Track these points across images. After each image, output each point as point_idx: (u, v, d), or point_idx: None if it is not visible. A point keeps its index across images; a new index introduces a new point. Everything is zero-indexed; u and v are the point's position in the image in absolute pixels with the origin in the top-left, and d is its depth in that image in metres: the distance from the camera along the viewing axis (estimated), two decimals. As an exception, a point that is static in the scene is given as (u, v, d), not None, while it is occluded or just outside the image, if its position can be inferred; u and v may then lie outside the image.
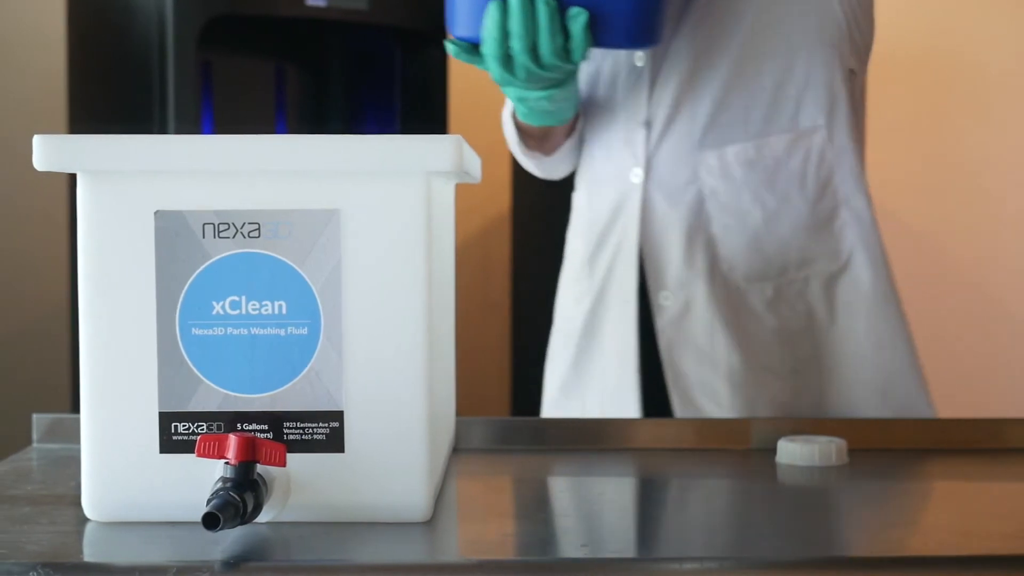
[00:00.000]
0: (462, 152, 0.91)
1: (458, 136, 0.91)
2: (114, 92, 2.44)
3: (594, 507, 1.06)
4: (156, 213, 0.91)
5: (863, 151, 1.52)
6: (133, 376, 0.92)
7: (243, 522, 0.86)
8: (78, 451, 1.20)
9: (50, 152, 0.91)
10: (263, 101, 2.51)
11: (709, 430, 1.26)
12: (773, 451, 1.19)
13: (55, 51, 2.66)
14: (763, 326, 1.42)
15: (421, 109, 2.47)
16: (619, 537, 0.98)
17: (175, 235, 0.91)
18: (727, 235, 1.41)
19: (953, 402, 3.16)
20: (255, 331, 0.92)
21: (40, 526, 0.93)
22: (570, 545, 0.92)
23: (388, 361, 0.92)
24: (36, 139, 0.90)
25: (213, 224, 0.91)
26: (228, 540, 0.88)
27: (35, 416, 1.25)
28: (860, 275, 1.45)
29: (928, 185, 3.24)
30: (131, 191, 0.91)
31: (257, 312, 0.92)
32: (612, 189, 1.50)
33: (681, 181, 1.43)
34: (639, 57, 1.48)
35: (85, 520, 0.95)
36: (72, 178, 2.79)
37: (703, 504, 1.08)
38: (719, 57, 1.44)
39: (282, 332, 0.92)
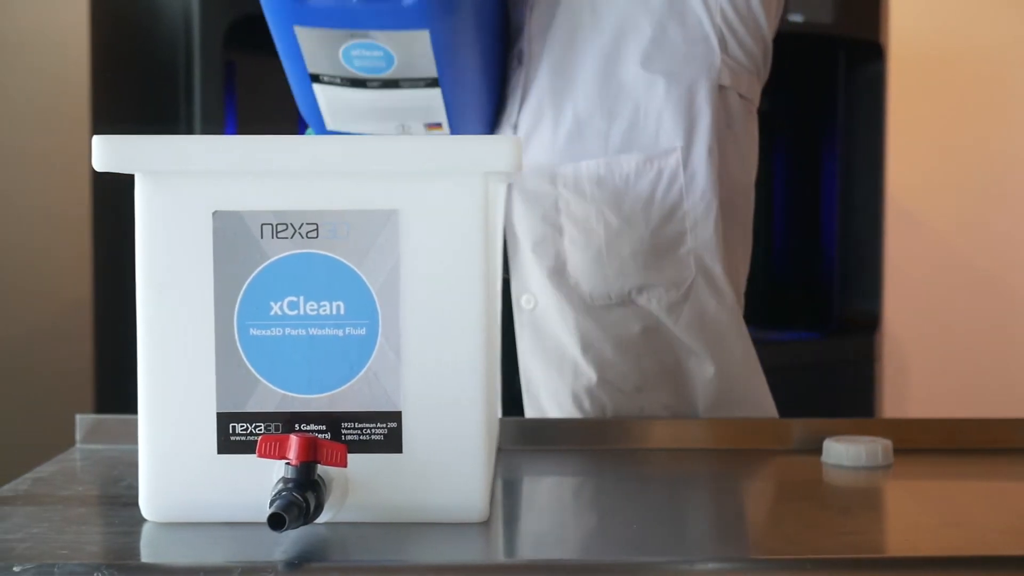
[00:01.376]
0: (520, 152, 0.91)
1: (516, 136, 0.90)
2: (138, 92, 2.44)
3: (642, 507, 1.05)
4: (214, 214, 0.91)
5: (739, 178, 1.43)
6: (191, 377, 0.92)
7: (305, 522, 0.86)
8: (122, 451, 1.21)
9: (109, 153, 0.90)
10: (286, 101, 2.51)
11: (748, 431, 1.26)
12: (812, 451, 1.19)
13: (78, 52, 2.66)
14: (609, 343, 1.38)
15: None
16: (670, 538, 0.98)
17: (233, 235, 0.91)
18: (574, 250, 1.38)
19: (971, 401, 3.16)
20: (313, 331, 0.92)
21: (97, 527, 0.93)
22: (627, 545, 0.92)
23: (446, 361, 0.92)
24: (96, 140, 0.90)
25: (271, 224, 0.91)
26: (287, 541, 0.88)
27: (78, 417, 1.25)
28: (703, 303, 1.39)
29: (950, 185, 3.24)
30: (189, 192, 0.91)
31: (315, 312, 0.92)
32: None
33: (541, 189, 1.39)
34: (519, 59, 1.44)
35: (141, 521, 0.95)
36: (95, 177, 2.78)
37: (756, 504, 1.08)
38: (579, 71, 1.39)
39: (340, 333, 0.92)
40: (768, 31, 1.42)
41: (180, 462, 0.93)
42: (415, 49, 1.30)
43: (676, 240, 1.38)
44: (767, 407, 1.44)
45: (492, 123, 1.45)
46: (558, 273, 1.38)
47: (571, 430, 1.26)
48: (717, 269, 1.38)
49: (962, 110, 3.23)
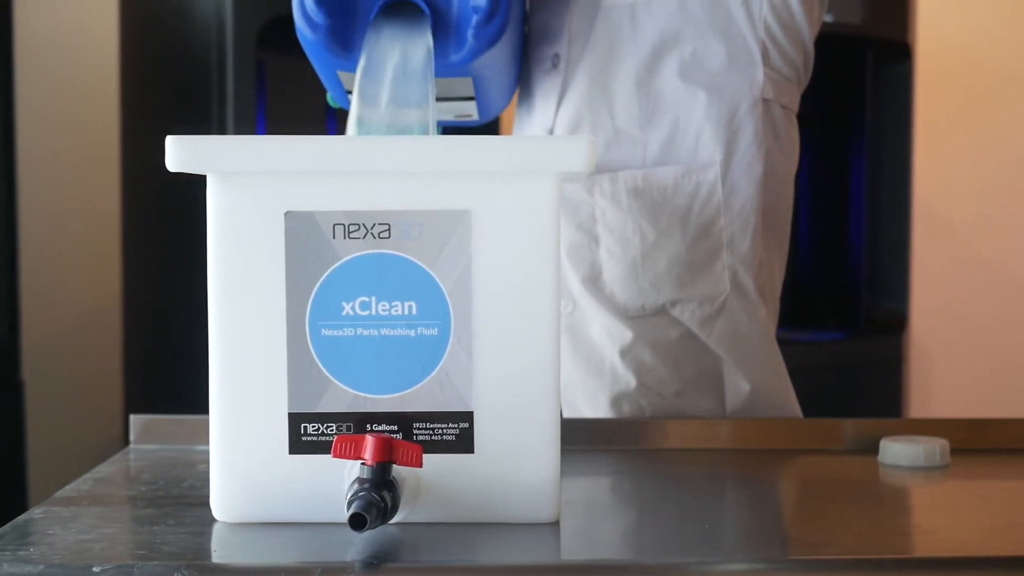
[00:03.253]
0: (595, 153, 0.91)
1: (590, 136, 0.90)
2: (168, 93, 2.44)
3: (709, 508, 1.06)
4: (286, 214, 0.91)
5: (779, 189, 1.41)
6: (262, 377, 0.92)
7: (383, 523, 0.86)
8: (177, 452, 1.21)
9: (182, 153, 0.90)
10: (315, 101, 2.51)
11: (802, 430, 1.26)
12: (865, 452, 1.19)
13: (107, 53, 2.66)
14: (647, 348, 1.37)
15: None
16: (741, 538, 0.98)
17: (305, 236, 0.91)
18: (610, 260, 1.37)
19: (997, 401, 3.16)
20: (385, 332, 0.92)
21: (168, 527, 0.93)
22: (705, 546, 0.92)
23: (518, 362, 0.92)
24: (169, 140, 0.90)
25: (343, 225, 0.91)
26: (359, 541, 0.88)
27: (132, 417, 1.25)
28: (736, 319, 1.38)
29: (976, 185, 3.23)
30: (261, 192, 0.91)
31: (387, 313, 0.92)
32: None
33: (578, 197, 1.38)
34: (554, 62, 1.43)
35: (211, 521, 0.95)
36: (125, 178, 2.78)
37: (821, 504, 1.08)
38: (618, 80, 1.38)
39: (412, 333, 0.92)
40: (810, 40, 1.41)
41: (251, 463, 0.93)
42: (457, 84, 1.30)
43: (712, 255, 1.37)
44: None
45: (512, 90, 1.46)
46: (592, 281, 1.38)
47: (616, 429, 1.26)
48: (751, 285, 1.38)
49: (989, 110, 3.23)
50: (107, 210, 2.70)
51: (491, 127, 2.52)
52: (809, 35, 1.40)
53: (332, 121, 2.54)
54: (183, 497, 1.03)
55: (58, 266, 2.78)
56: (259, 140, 0.91)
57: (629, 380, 1.36)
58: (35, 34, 2.66)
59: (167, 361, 2.51)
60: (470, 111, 1.40)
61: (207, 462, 1.15)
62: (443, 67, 1.25)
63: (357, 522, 0.83)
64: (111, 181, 2.66)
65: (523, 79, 1.46)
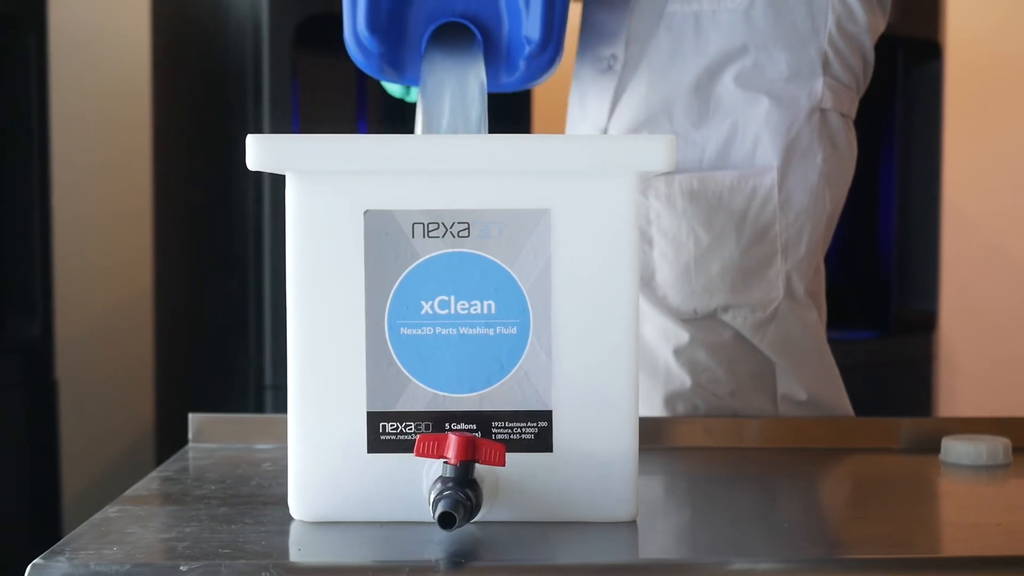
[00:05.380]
0: (675, 152, 0.91)
1: (671, 136, 0.91)
2: (203, 93, 2.44)
3: (781, 507, 1.06)
4: (366, 213, 0.91)
5: (834, 196, 1.40)
6: (341, 376, 0.92)
7: (468, 521, 0.86)
8: (237, 451, 1.21)
9: (262, 152, 0.91)
10: (346, 100, 2.52)
11: (859, 429, 1.26)
12: (923, 451, 1.20)
13: (139, 54, 2.67)
14: (702, 348, 1.37)
15: (505, 105, 2.47)
16: (820, 536, 0.98)
17: (384, 235, 0.92)
18: (663, 262, 1.37)
19: (1022, 399, 3.16)
20: (464, 331, 0.92)
21: (247, 526, 0.93)
22: (784, 545, 0.92)
23: (597, 361, 0.92)
24: (249, 139, 0.90)
25: (423, 224, 0.91)
26: (442, 540, 0.88)
27: (191, 416, 1.25)
28: (788, 325, 1.38)
29: (1006, 186, 3.23)
30: (341, 191, 0.91)
31: (466, 312, 0.92)
32: None
33: None
34: (610, 63, 1.42)
35: (288, 519, 0.95)
36: (156, 176, 2.78)
37: (892, 502, 1.08)
38: (678, 85, 1.37)
39: (491, 332, 0.92)
40: (871, 47, 1.40)
41: (330, 462, 0.93)
42: None
43: (766, 261, 1.37)
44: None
45: None
46: (646, 283, 1.38)
47: (670, 428, 1.26)
48: (803, 291, 1.38)
49: (1019, 109, 3.23)
50: (139, 210, 2.70)
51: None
52: (870, 42, 1.40)
53: (363, 121, 2.54)
54: (254, 496, 1.03)
55: (91, 267, 2.79)
56: (340, 139, 0.91)
57: (684, 380, 1.37)
58: (68, 36, 2.66)
59: (198, 361, 2.51)
60: None
61: (271, 461, 1.16)
62: (493, 85, 1.26)
63: (446, 521, 0.83)
64: (143, 182, 2.67)
65: (576, 76, 1.46)
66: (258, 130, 2.21)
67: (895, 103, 2.71)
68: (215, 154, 2.38)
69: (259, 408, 2.26)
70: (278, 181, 2.18)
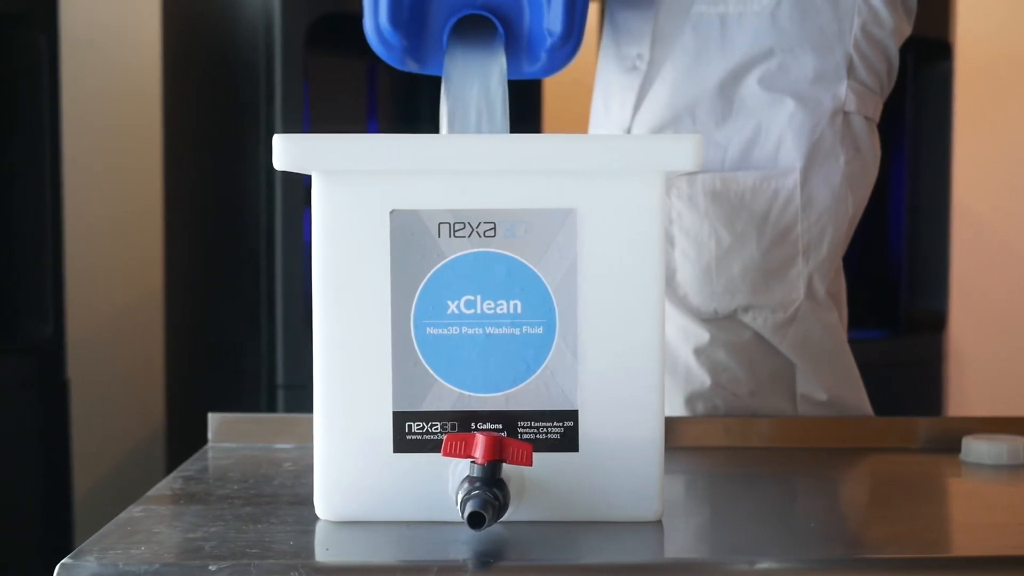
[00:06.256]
0: (701, 152, 0.91)
1: (698, 136, 0.91)
2: (213, 93, 2.44)
3: (806, 505, 1.06)
4: (392, 212, 0.92)
5: (856, 199, 1.40)
6: (367, 376, 0.92)
7: (496, 521, 0.86)
8: (257, 450, 1.21)
9: (288, 152, 0.91)
10: (357, 100, 2.52)
11: (879, 429, 1.27)
12: (942, 450, 1.20)
13: (150, 54, 2.67)
14: (722, 348, 1.37)
15: (515, 104, 2.47)
16: (847, 535, 0.98)
17: (411, 234, 0.92)
18: (684, 262, 1.37)
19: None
20: (490, 330, 0.92)
21: (273, 525, 0.93)
22: (813, 543, 0.92)
23: (623, 361, 0.92)
24: (276, 139, 0.90)
25: (449, 223, 0.91)
26: (469, 539, 0.88)
27: (210, 415, 1.25)
28: (809, 326, 1.38)
29: (1016, 186, 3.23)
30: (367, 190, 0.92)
31: (492, 311, 0.92)
32: None
33: None
34: (635, 62, 1.42)
35: (313, 519, 0.95)
36: (167, 176, 2.78)
37: (907, 503, 1.08)
38: (702, 85, 1.37)
39: (517, 332, 0.92)
40: (895, 50, 1.40)
41: (356, 461, 0.93)
42: None
43: (787, 262, 1.36)
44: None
45: None
46: (667, 282, 1.38)
47: (690, 428, 1.26)
48: (824, 292, 1.38)
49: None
50: (150, 210, 2.70)
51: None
52: (895, 46, 1.39)
53: (373, 121, 2.54)
54: (277, 496, 1.03)
55: (101, 267, 2.79)
56: (366, 139, 0.91)
57: (704, 379, 1.37)
58: (80, 36, 2.66)
59: (209, 361, 2.51)
60: None
61: (292, 460, 1.16)
62: (513, 73, 1.26)
63: (476, 521, 0.83)
64: (154, 181, 2.67)
65: (600, 74, 1.46)
66: (269, 130, 2.21)
67: (905, 103, 2.70)
68: (226, 154, 2.38)
69: (271, 408, 2.26)
70: (289, 181, 2.18)
